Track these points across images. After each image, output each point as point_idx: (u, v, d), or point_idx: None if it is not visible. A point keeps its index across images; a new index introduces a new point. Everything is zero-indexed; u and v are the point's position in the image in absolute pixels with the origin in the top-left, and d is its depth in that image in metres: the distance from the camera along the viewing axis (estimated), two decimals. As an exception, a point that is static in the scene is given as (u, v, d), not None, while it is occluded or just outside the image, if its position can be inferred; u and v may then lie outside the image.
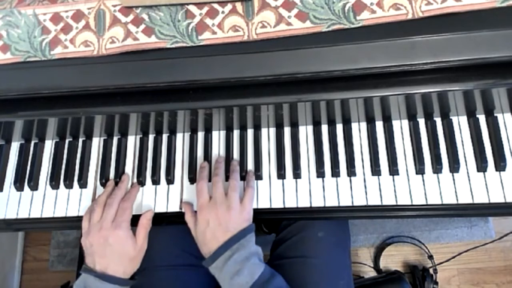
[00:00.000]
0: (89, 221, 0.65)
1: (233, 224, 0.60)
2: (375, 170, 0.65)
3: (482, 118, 0.66)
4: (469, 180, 0.64)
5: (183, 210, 0.68)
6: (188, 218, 0.65)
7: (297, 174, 0.67)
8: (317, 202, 0.66)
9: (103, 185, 0.72)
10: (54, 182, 0.73)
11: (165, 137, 0.74)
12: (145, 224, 0.67)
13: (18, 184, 0.74)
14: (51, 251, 1.42)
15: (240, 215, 0.61)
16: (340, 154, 0.67)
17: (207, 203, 0.62)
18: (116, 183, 0.72)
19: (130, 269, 0.64)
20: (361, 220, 1.32)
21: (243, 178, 0.69)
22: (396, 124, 0.68)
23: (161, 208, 0.70)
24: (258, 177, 0.69)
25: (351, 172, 0.66)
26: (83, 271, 0.62)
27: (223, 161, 0.69)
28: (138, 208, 0.70)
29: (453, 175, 0.64)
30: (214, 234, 0.59)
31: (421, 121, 0.67)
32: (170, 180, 0.71)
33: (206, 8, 0.59)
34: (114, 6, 0.61)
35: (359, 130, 0.69)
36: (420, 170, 0.65)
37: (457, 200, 0.63)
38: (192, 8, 0.59)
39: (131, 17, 0.60)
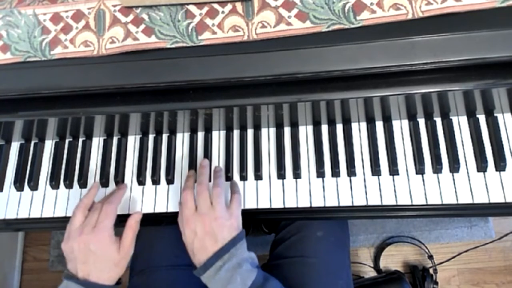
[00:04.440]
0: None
1: (221, 233, 0.57)
2: (375, 170, 0.65)
3: (482, 118, 0.66)
4: (469, 180, 0.64)
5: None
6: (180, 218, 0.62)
7: (297, 174, 0.67)
8: (317, 202, 0.66)
9: (103, 185, 0.72)
10: (54, 182, 0.73)
11: (165, 137, 0.74)
12: (133, 226, 0.64)
13: (18, 184, 0.74)
14: (51, 251, 1.42)
15: (228, 223, 0.58)
16: (340, 154, 0.68)
17: (192, 213, 0.59)
18: (117, 183, 0.72)
19: (115, 274, 0.61)
20: (361, 220, 1.32)
21: (243, 178, 0.69)
22: (396, 124, 0.68)
23: (161, 208, 0.70)
24: (258, 177, 0.69)
25: (351, 172, 0.66)
26: (65, 277, 0.59)
27: (207, 166, 0.67)
28: (138, 208, 0.70)
29: (453, 175, 0.64)
30: (203, 244, 0.57)
31: (421, 121, 0.67)
32: (170, 180, 0.71)
33: (206, 8, 0.59)
34: (114, 6, 0.61)
35: (359, 130, 0.69)
36: (420, 170, 0.65)
37: (457, 200, 0.63)
38: (192, 8, 0.59)
39: (131, 17, 0.60)
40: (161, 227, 0.76)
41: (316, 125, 0.69)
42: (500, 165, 0.63)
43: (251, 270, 0.57)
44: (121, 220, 0.65)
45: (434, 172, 0.65)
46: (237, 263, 0.56)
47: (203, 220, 0.58)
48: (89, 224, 0.60)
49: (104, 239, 0.59)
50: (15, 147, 0.77)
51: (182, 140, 0.73)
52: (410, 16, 0.54)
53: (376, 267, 1.30)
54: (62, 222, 0.72)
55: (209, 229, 0.57)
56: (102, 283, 0.59)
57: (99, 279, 0.58)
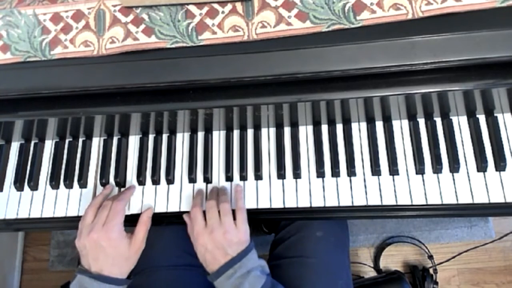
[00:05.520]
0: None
1: (231, 248, 0.59)
2: (375, 170, 0.65)
3: (482, 118, 0.66)
4: (469, 180, 0.64)
5: (183, 212, 0.68)
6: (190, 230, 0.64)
7: (297, 174, 0.67)
8: (317, 202, 0.66)
9: (103, 185, 0.72)
10: (54, 182, 0.73)
11: (165, 137, 0.74)
12: (145, 221, 0.66)
13: (18, 184, 0.74)
14: (51, 251, 1.42)
15: (236, 238, 0.60)
16: (340, 154, 0.67)
17: (202, 229, 0.61)
18: (117, 183, 0.72)
19: (126, 269, 0.63)
20: (361, 220, 1.32)
21: (243, 178, 0.69)
22: (396, 124, 0.68)
23: (161, 208, 0.70)
24: (258, 177, 0.69)
25: (351, 172, 0.66)
26: (78, 272, 0.61)
27: (218, 189, 0.69)
28: (138, 208, 0.70)
29: (453, 175, 0.64)
30: (214, 257, 0.60)
31: (421, 121, 0.67)
32: (170, 180, 0.71)
33: (206, 8, 0.59)
34: (114, 6, 0.61)
35: (359, 130, 0.69)
36: (420, 170, 0.65)
37: (457, 200, 0.63)
38: (192, 8, 0.59)
39: (131, 17, 0.60)
40: (161, 227, 0.76)
41: (316, 125, 0.69)
42: (500, 165, 0.63)
43: (260, 277, 0.58)
44: (124, 220, 0.65)
45: (434, 172, 0.65)
46: (247, 271, 0.58)
47: (213, 236, 0.60)
48: (99, 221, 0.62)
49: (113, 235, 0.61)
50: (15, 147, 0.77)
51: (182, 140, 0.73)
52: (410, 16, 0.53)
53: (376, 267, 1.30)
54: (62, 222, 0.72)
55: (219, 244, 0.59)
56: (115, 277, 0.61)
57: (111, 274, 0.61)
